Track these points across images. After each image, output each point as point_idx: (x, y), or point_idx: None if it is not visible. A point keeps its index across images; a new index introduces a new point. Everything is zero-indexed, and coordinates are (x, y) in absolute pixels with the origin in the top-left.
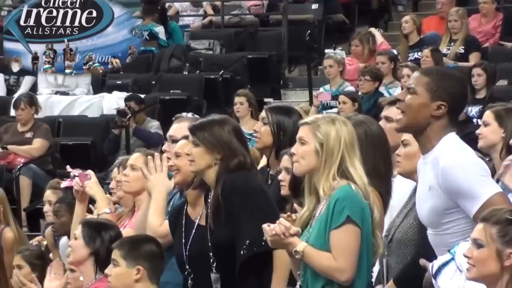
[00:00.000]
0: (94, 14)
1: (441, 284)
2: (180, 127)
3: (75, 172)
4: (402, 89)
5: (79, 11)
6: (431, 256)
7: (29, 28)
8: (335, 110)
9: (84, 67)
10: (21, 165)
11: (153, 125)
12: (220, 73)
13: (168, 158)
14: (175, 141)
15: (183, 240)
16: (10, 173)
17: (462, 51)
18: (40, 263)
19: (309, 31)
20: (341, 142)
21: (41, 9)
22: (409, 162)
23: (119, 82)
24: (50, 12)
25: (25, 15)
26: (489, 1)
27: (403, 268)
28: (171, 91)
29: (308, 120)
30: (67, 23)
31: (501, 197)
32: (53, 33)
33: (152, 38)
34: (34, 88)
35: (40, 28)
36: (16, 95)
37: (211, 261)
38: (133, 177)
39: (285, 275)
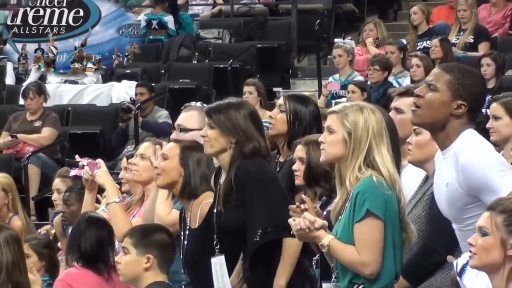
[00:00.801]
0: (81, 13)
1: (466, 282)
2: (188, 116)
3: (84, 161)
4: (411, 79)
5: (66, 10)
6: (440, 248)
7: (15, 28)
8: (344, 99)
9: (71, 66)
10: (30, 153)
11: (162, 114)
12: (229, 62)
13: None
14: (183, 130)
15: (181, 243)
16: (18, 162)
17: (472, 40)
18: (47, 252)
19: (318, 21)
20: (369, 131)
21: (28, 8)
22: (420, 151)
23: (128, 71)
24: (37, 11)
25: (12, 15)
26: None
27: (410, 259)
28: (180, 80)
29: (336, 108)
30: (54, 23)
31: None
32: (40, 32)
33: (161, 27)
34: (42, 77)
35: (27, 28)
36: (25, 84)
37: (215, 243)
38: (142, 166)
39: (291, 263)
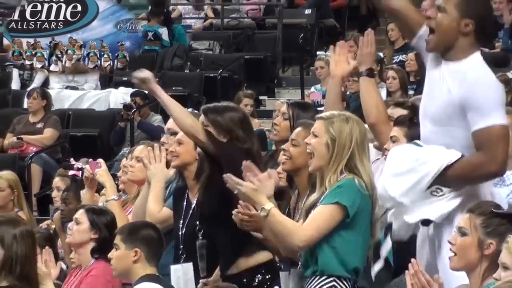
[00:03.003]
0: (79, 8)
1: None
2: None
3: (79, 164)
4: (387, 90)
5: (63, 5)
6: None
7: (13, 23)
8: (323, 108)
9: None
10: (33, 153)
11: (156, 119)
12: (219, 71)
13: (167, 150)
14: (173, 133)
15: (181, 221)
16: (22, 161)
17: None
18: (48, 245)
19: (302, 34)
20: (352, 140)
21: (25, 4)
22: None
23: (125, 78)
24: (35, 6)
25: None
26: None
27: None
28: (173, 88)
29: (324, 115)
30: (52, 18)
31: (503, 129)
32: (38, 27)
33: (156, 38)
34: (45, 83)
35: (25, 23)
36: (29, 89)
37: (197, 229)
38: (137, 167)
39: None
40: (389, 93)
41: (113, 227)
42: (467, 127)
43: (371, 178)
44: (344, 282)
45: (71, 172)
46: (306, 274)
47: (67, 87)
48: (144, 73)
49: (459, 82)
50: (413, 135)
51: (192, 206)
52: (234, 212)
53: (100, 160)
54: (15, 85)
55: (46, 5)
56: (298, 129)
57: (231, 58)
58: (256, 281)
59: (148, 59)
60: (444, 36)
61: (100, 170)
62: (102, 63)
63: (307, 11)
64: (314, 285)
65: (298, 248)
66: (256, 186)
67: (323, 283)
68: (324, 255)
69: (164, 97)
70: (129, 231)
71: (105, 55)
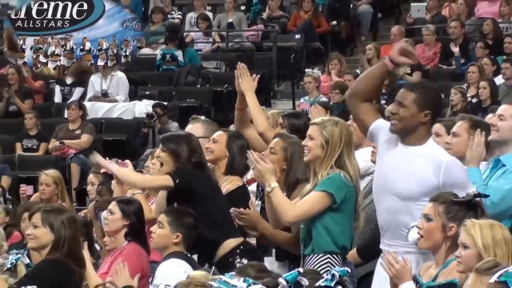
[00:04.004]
0: (85, 6)
1: None
2: (194, 127)
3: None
4: None
5: (70, 4)
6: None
7: (20, 21)
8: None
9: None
10: (72, 155)
11: (173, 126)
12: (225, 86)
13: None
14: None
15: None
16: (63, 161)
17: (409, 71)
18: (85, 230)
19: (293, 55)
20: (342, 141)
21: (32, 2)
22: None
23: (147, 92)
24: (41, 5)
25: (16, 8)
26: (430, 34)
27: (367, 242)
28: (187, 100)
29: (316, 121)
30: (58, 16)
31: None
32: (44, 26)
33: (173, 59)
34: (83, 96)
35: (31, 21)
36: (68, 102)
37: None
38: (159, 165)
39: None
40: None
41: (140, 214)
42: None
43: (356, 172)
44: (336, 257)
45: (103, 170)
46: (306, 253)
47: (100, 100)
48: (96, 158)
49: (435, 166)
50: None
51: None
52: (231, 210)
53: (127, 161)
54: (57, 98)
55: (52, 4)
56: (276, 139)
57: (235, 75)
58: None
59: (166, 76)
60: (405, 126)
61: (127, 169)
62: (109, 63)
63: (297, 36)
64: (313, 261)
65: (288, 223)
66: (270, 166)
67: (320, 259)
68: (319, 236)
69: (113, 169)
70: (176, 216)
71: (111, 53)
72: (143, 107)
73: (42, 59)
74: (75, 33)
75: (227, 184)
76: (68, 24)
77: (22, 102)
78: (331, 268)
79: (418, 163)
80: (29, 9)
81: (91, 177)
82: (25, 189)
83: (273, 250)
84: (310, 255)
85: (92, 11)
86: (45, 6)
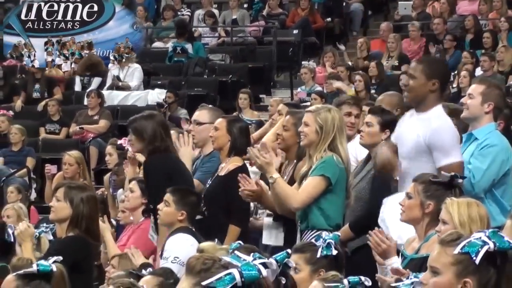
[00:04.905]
0: (95, 8)
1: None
2: (201, 114)
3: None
4: (355, 89)
5: (80, 5)
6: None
7: (30, 22)
8: (308, 103)
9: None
10: (91, 138)
11: (182, 112)
12: (229, 77)
13: (193, 136)
14: (198, 123)
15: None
16: (83, 144)
17: (397, 63)
18: (102, 207)
19: (291, 49)
20: (335, 126)
21: (42, 3)
22: (371, 138)
23: (159, 82)
24: (51, 6)
25: (26, 9)
26: (416, 29)
27: (358, 218)
28: (195, 89)
29: (311, 109)
30: (68, 17)
31: (459, 166)
32: (54, 27)
33: (183, 52)
34: (101, 85)
35: (41, 22)
36: (87, 91)
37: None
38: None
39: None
40: (356, 92)
41: None
42: (433, 162)
43: (347, 155)
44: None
45: (119, 141)
46: (301, 228)
47: (117, 88)
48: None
49: (425, 127)
50: (384, 122)
51: (216, 174)
52: (241, 188)
53: None
54: (77, 87)
55: (62, 5)
56: (287, 117)
57: (238, 67)
58: None
59: (176, 67)
60: (415, 95)
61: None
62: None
63: (295, 31)
64: (308, 237)
65: (294, 209)
66: (268, 160)
67: (315, 235)
68: (313, 214)
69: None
70: (180, 196)
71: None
72: (155, 95)
73: (58, 61)
74: (85, 34)
75: (228, 165)
76: (78, 26)
77: (49, 91)
78: (321, 237)
79: (417, 126)
80: (39, 10)
81: (109, 148)
82: (50, 168)
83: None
84: (306, 230)
85: (102, 13)
86: (55, 7)
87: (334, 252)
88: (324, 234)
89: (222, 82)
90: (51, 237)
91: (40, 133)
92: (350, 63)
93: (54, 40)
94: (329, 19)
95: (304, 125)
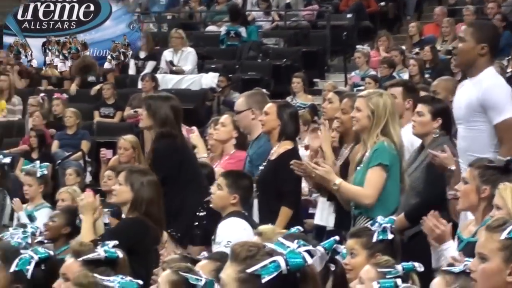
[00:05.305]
0: (92, 8)
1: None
2: (238, 102)
3: None
4: (409, 74)
5: (76, 5)
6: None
7: (26, 22)
8: (362, 88)
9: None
10: None
11: (235, 96)
12: (283, 61)
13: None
14: (237, 112)
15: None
16: (137, 128)
17: (451, 48)
18: None
19: (345, 33)
20: (387, 111)
21: (39, 3)
22: (423, 128)
23: (213, 66)
24: (48, 6)
25: (22, 9)
26: (470, 14)
27: (413, 206)
28: (249, 73)
29: (363, 93)
30: (65, 17)
31: None
32: (51, 27)
33: (237, 36)
34: (155, 69)
35: (38, 22)
36: (142, 74)
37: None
38: (222, 130)
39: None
40: (410, 76)
41: (212, 177)
42: (489, 121)
43: (400, 139)
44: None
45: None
46: (355, 214)
47: (171, 72)
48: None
49: (477, 89)
50: (435, 110)
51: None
52: (292, 162)
53: (194, 128)
54: (131, 71)
55: (59, 5)
56: (345, 100)
57: (292, 51)
58: None
59: (230, 51)
60: (464, 58)
61: (193, 135)
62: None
63: (349, 15)
64: (361, 222)
65: (367, 205)
66: (327, 168)
67: (368, 221)
68: None
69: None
70: (233, 179)
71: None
72: (209, 79)
73: (57, 61)
74: (81, 34)
75: (278, 149)
76: (74, 26)
77: (103, 75)
78: (376, 221)
79: (470, 89)
80: (35, 10)
81: None
82: (105, 152)
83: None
84: (359, 216)
85: (99, 12)
86: (52, 7)
87: (390, 236)
88: (380, 218)
89: (276, 66)
90: (106, 220)
91: (94, 117)
92: (403, 47)
93: (53, 40)
94: (383, 3)
95: (356, 110)
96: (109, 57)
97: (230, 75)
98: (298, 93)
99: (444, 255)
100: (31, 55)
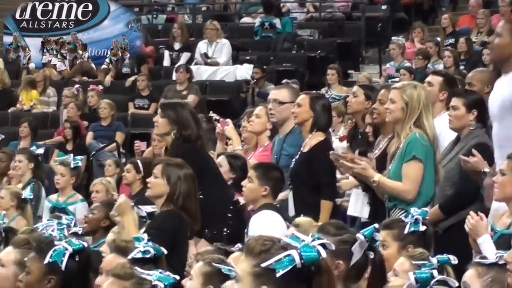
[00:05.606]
0: (90, 7)
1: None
2: (281, 92)
3: (216, 116)
4: (444, 66)
5: (75, 5)
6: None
7: (24, 22)
8: (397, 79)
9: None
10: None
11: (270, 88)
12: (318, 52)
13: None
14: (280, 102)
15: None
16: None
17: (486, 39)
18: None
19: (380, 24)
20: (420, 103)
21: (37, 3)
22: (458, 121)
23: (248, 57)
24: (46, 5)
25: (20, 9)
26: (506, 5)
27: (448, 198)
28: (283, 64)
29: (397, 85)
30: (63, 17)
31: None
32: (49, 26)
33: (271, 27)
34: (189, 60)
35: (36, 22)
36: (176, 66)
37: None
38: (257, 122)
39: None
40: (445, 68)
41: (245, 168)
42: None
43: (433, 131)
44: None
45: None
46: (389, 206)
47: (205, 64)
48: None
49: (509, 86)
50: (469, 103)
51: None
52: (330, 153)
53: (228, 120)
54: (166, 62)
55: (57, 4)
56: (382, 91)
57: (327, 42)
58: None
59: (264, 43)
60: (499, 53)
61: (228, 127)
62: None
63: (383, 7)
64: (396, 214)
65: (409, 201)
66: (363, 165)
67: (402, 213)
68: None
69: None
70: (263, 171)
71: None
72: (243, 71)
73: (54, 60)
74: (80, 34)
75: (310, 141)
76: (73, 25)
77: (137, 67)
78: (410, 213)
79: (502, 86)
80: (34, 10)
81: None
82: (139, 145)
83: None
84: (393, 208)
85: (97, 12)
86: (50, 7)
87: (422, 228)
88: (413, 210)
89: (310, 58)
90: (143, 213)
91: (129, 108)
92: (438, 38)
93: (52, 39)
94: None
95: (390, 102)
96: (107, 60)
97: (264, 67)
98: (332, 84)
99: (482, 249)
100: (28, 58)
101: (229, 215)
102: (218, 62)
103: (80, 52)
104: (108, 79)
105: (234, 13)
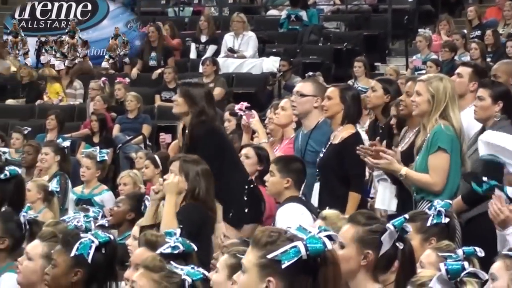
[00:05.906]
0: (89, 7)
1: None
2: (304, 85)
3: (245, 104)
4: (470, 57)
5: (74, 4)
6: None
7: (23, 21)
8: (424, 71)
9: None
10: None
11: (297, 80)
12: (344, 44)
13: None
14: (301, 95)
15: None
16: None
17: None
18: None
19: (406, 16)
20: (446, 95)
21: (36, 2)
22: (484, 112)
23: (274, 50)
24: (45, 5)
25: (19, 8)
26: None
27: (471, 189)
28: (310, 57)
29: (423, 78)
30: (62, 16)
31: None
32: (48, 26)
33: (297, 19)
34: (216, 53)
35: (35, 21)
36: (203, 58)
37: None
38: (283, 114)
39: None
40: (471, 60)
41: (268, 160)
42: None
43: (459, 123)
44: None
45: (237, 107)
46: (416, 199)
47: (232, 56)
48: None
49: None
50: (495, 94)
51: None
52: (358, 148)
53: (254, 112)
54: (192, 55)
55: (56, 4)
56: (409, 83)
57: (353, 35)
58: None
59: (291, 35)
60: None
61: (254, 120)
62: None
63: None
64: (423, 207)
65: (437, 192)
66: (390, 159)
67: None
68: None
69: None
70: (284, 164)
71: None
72: (270, 63)
73: (53, 60)
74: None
75: (341, 133)
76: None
77: (164, 59)
78: (433, 205)
79: None
80: (33, 10)
81: (226, 115)
82: (164, 137)
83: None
84: (421, 201)
85: (96, 11)
86: (49, 6)
87: (445, 220)
88: (436, 202)
89: (337, 50)
90: None
91: (155, 101)
92: (465, 31)
93: (51, 39)
94: None
95: (416, 95)
96: (107, 56)
97: (291, 59)
98: (359, 77)
99: (508, 240)
100: (26, 53)
101: (246, 192)
102: (244, 56)
103: (80, 48)
104: (134, 71)
105: (261, 6)
